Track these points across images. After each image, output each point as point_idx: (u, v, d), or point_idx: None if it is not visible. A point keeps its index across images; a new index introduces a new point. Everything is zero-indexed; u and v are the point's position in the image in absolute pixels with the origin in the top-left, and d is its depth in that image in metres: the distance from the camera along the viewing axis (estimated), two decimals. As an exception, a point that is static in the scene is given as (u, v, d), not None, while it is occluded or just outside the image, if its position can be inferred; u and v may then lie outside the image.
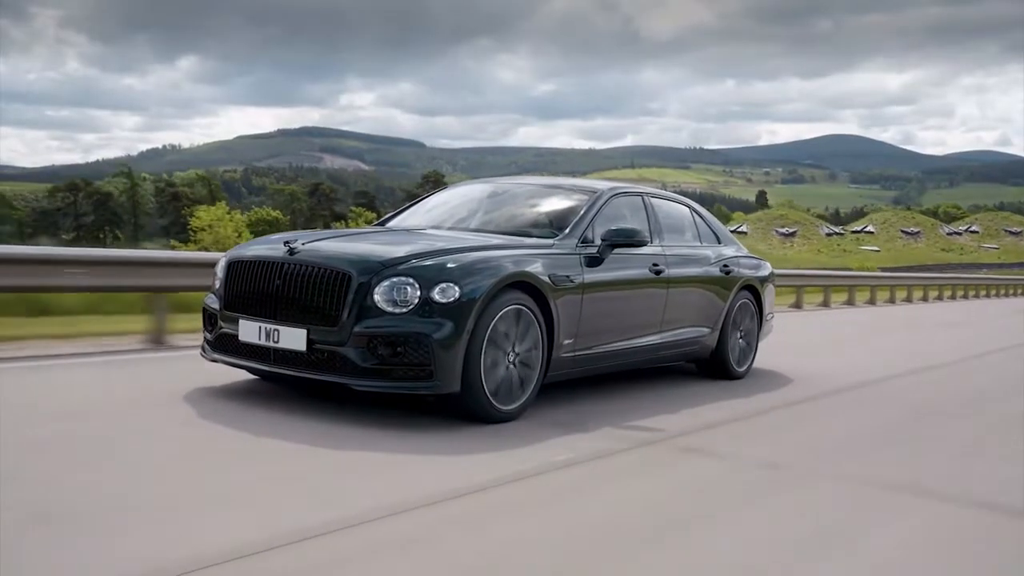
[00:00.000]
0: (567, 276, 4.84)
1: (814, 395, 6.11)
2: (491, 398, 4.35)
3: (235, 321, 4.48)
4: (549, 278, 4.68)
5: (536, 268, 4.63)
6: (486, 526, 2.92)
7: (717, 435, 4.60)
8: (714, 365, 6.52)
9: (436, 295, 4.16)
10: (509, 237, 5.07)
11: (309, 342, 4.19)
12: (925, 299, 27.16)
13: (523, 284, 4.54)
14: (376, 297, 4.15)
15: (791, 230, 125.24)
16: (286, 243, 4.46)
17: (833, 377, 7.02)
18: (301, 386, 4.80)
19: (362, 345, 4.12)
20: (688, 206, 6.75)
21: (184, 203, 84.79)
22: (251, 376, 5.03)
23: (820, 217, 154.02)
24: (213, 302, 4.75)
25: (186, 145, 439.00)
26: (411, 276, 4.19)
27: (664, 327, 5.81)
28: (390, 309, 4.14)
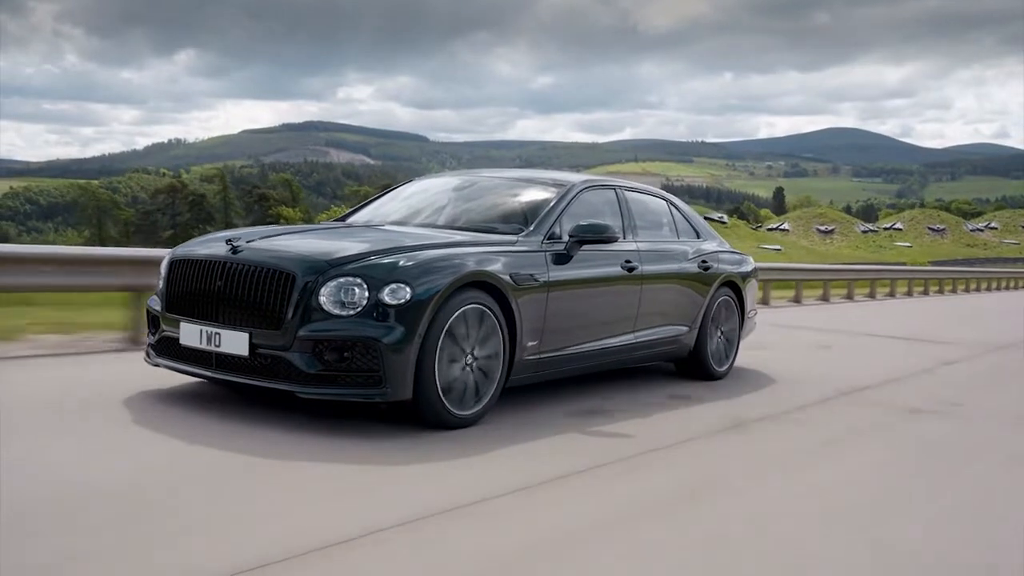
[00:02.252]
0: (530, 275, 4.59)
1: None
2: (447, 404, 4.11)
3: (176, 324, 4.24)
4: (510, 277, 4.44)
5: (496, 266, 4.39)
6: (422, 546, 2.68)
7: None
8: (693, 365, 6.28)
9: (386, 296, 3.92)
10: (471, 234, 4.83)
11: (251, 346, 3.95)
12: (978, 289, 32.37)
13: (482, 283, 4.30)
14: (322, 298, 3.91)
15: (830, 227, 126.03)
16: (228, 241, 4.22)
17: None
18: (251, 391, 4.56)
19: (307, 350, 3.88)
20: (665, 199, 6.50)
21: (270, 203, 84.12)
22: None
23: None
24: (155, 304, 4.51)
25: (191, 139, 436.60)
26: (359, 276, 3.95)
27: (638, 326, 5.57)
28: (337, 311, 3.90)
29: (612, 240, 5.04)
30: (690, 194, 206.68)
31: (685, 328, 6.06)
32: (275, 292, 3.95)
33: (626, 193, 5.88)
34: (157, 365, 4.42)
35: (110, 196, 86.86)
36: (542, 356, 4.75)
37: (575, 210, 5.22)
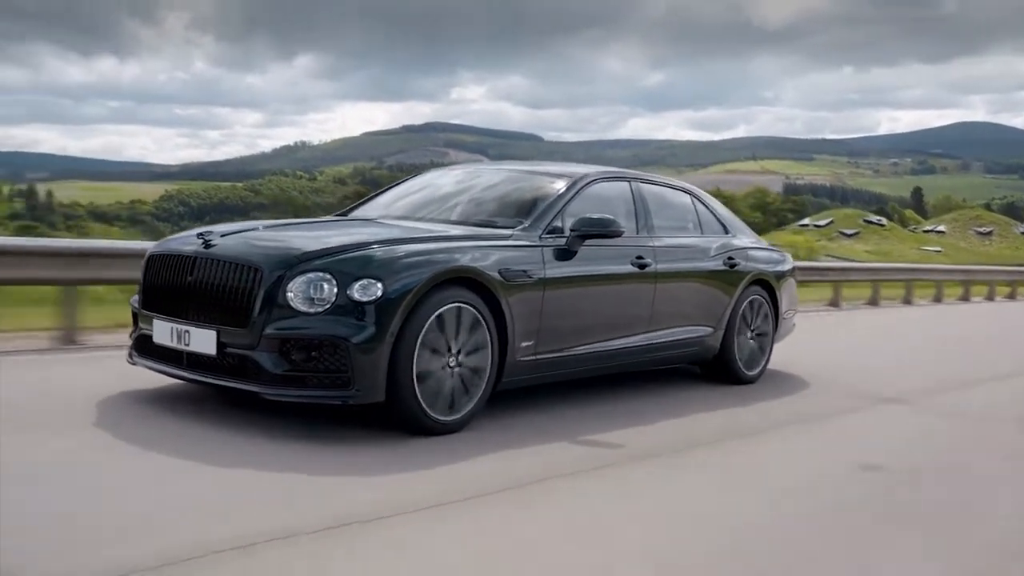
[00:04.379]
0: (523, 271, 4.31)
1: None
2: (426, 408, 3.86)
3: (150, 321, 4.10)
4: (499, 273, 4.16)
5: (484, 262, 4.12)
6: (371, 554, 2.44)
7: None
8: (719, 368, 5.90)
9: (355, 293, 3.69)
10: (466, 228, 4.58)
11: (219, 345, 3.77)
12: None
13: (467, 280, 4.04)
14: (289, 295, 3.70)
15: (988, 229, 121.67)
16: (200, 235, 4.06)
17: None
18: (223, 392, 4.36)
19: (274, 349, 3.69)
20: (689, 192, 6.11)
21: None
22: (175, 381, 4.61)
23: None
24: (135, 300, 4.38)
25: (315, 142, 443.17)
26: (328, 271, 3.73)
27: (652, 326, 5.23)
28: (304, 308, 3.70)
29: (616, 234, 4.72)
30: (813, 192, 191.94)
31: (709, 329, 5.69)
32: (242, 288, 3.76)
33: (642, 186, 5.54)
34: (135, 364, 4.28)
35: (304, 197, 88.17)
36: (539, 357, 4.47)
37: (582, 203, 4.91)
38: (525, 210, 4.82)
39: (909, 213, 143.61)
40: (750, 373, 6.03)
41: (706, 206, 6.13)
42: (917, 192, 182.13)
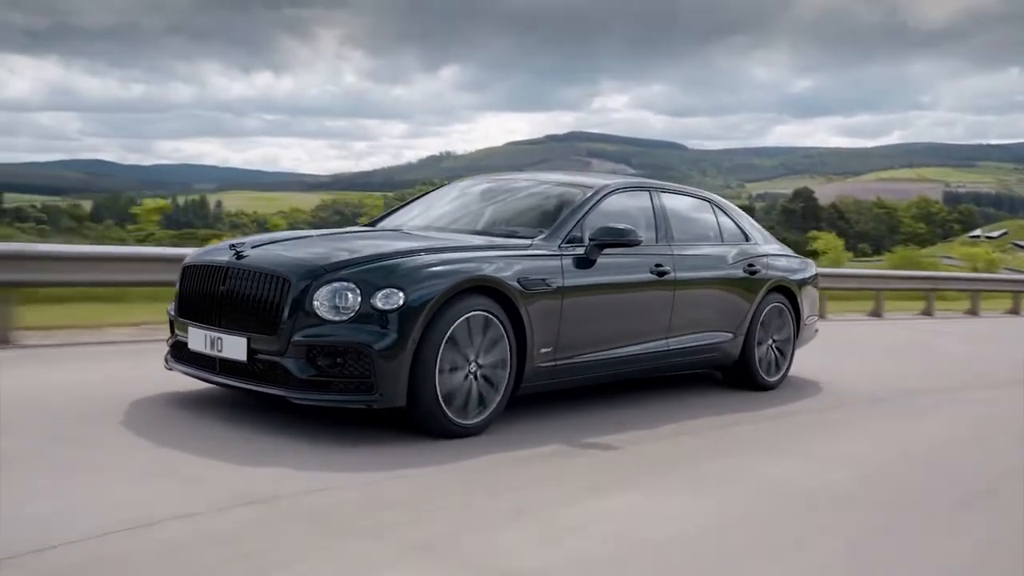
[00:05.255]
0: (542, 279, 4.45)
1: None
2: (448, 412, 4.02)
3: (186, 328, 4.30)
4: (519, 282, 4.31)
5: (504, 271, 4.27)
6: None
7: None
8: (739, 374, 5.98)
9: (378, 302, 3.86)
10: (488, 238, 4.73)
11: (250, 352, 3.96)
12: None
13: (487, 288, 4.19)
14: (316, 304, 3.88)
15: None
16: (232, 246, 4.26)
17: None
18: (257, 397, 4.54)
19: (301, 355, 3.87)
20: (709, 201, 6.21)
21: None
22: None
23: None
24: (171, 308, 4.59)
25: (459, 152, 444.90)
26: (352, 281, 3.90)
27: (672, 333, 5.33)
28: (331, 317, 3.87)
29: (634, 243, 4.84)
30: (976, 201, 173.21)
31: (729, 335, 5.78)
32: (271, 297, 3.95)
33: (662, 195, 5.66)
34: (171, 369, 4.49)
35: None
36: (558, 363, 4.60)
37: (601, 214, 5.04)
38: (546, 221, 4.96)
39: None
40: (771, 379, 6.11)
41: (727, 214, 6.22)
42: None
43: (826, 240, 44.12)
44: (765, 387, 6.04)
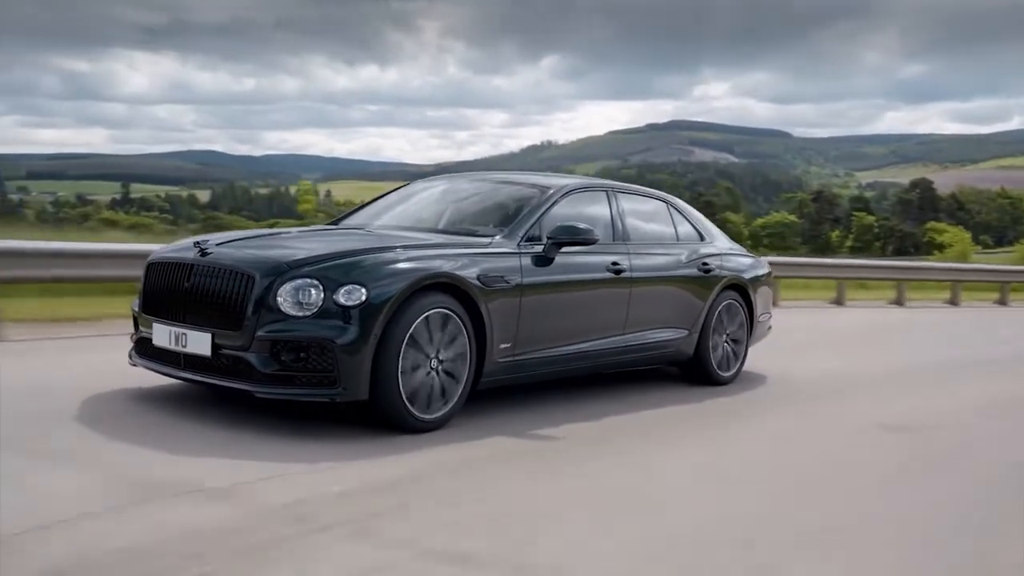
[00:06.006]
0: (501, 277, 4.58)
1: None
2: (409, 406, 4.13)
3: (150, 324, 4.37)
4: (479, 279, 4.43)
5: (463, 269, 4.39)
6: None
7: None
8: (695, 369, 6.16)
9: (341, 298, 3.96)
10: (448, 236, 4.85)
11: (214, 347, 4.04)
12: None
13: (447, 286, 4.31)
14: (279, 300, 3.97)
15: None
16: (196, 244, 4.33)
17: None
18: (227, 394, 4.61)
19: (265, 350, 3.95)
20: (665, 201, 6.39)
21: (715, 209, 78.82)
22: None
23: None
24: (135, 304, 4.65)
25: (560, 141, 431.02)
26: (315, 278, 4.00)
27: (628, 329, 5.49)
28: (294, 312, 3.96)
29: (591, 242, 4.99)
30: None
31: (684, 332, 5.95)
32: (236, 293, 4.03)
33: (619, 196, 5.82)
34: (135, 365, 4.55)
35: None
36: (516, 359, 4.73)
37: (559, 213, 5.18)
38: (505, 220, 5.09)
39: None
40: (724, 375, 6.29)
41: (682, 214, 6.40)
42: None
43: (952, 233, 42.81)
44: (719, 382, 6.22)
